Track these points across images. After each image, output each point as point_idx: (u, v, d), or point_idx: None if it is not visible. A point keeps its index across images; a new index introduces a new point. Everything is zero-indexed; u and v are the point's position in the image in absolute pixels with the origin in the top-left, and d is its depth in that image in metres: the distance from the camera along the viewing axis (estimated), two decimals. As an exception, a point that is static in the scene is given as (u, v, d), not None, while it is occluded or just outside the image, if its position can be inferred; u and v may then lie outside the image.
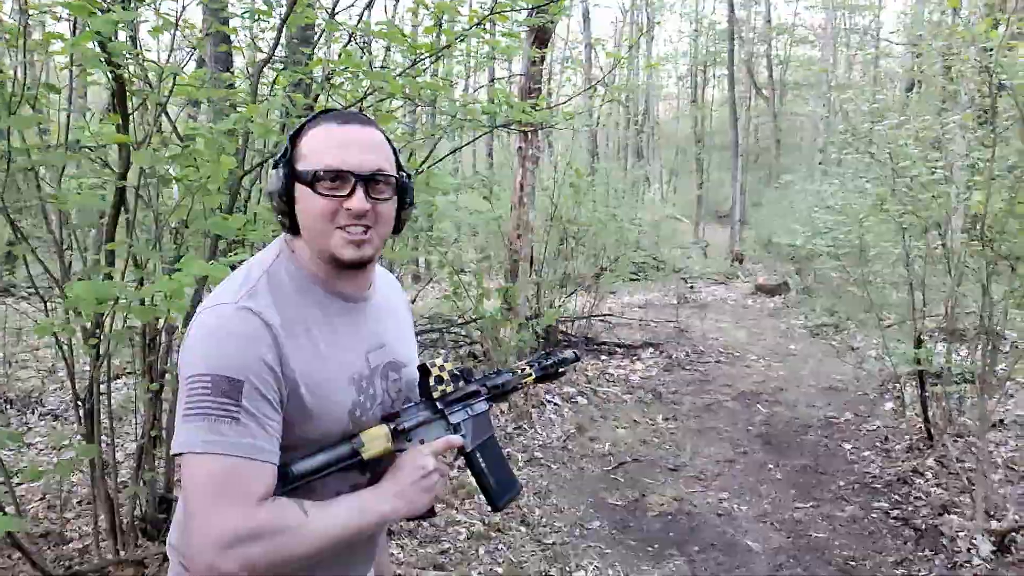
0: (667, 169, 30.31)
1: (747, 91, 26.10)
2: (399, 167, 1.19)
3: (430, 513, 1.19)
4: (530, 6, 3.80)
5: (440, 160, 4.58)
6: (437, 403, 1.22)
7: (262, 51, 3.92)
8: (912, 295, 4.59)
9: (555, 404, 5.55)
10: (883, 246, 5.38)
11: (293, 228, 1.15)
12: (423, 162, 3.88)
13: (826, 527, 3.68)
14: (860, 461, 4.56)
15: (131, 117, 2.65)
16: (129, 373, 4.97)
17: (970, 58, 4.88)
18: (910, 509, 3.77)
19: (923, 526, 3.56)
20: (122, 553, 2.71)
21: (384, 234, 1.16)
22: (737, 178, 19.39)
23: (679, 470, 4.47)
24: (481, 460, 1.25)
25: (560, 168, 7.16)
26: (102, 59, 2.40)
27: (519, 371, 1.39)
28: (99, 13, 2.18)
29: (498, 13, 3.34)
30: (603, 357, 7.24)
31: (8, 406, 4.79)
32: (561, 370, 1.45)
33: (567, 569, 3.21)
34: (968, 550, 3.25)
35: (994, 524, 3.34)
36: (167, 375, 2.88)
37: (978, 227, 3.72)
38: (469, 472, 1.25)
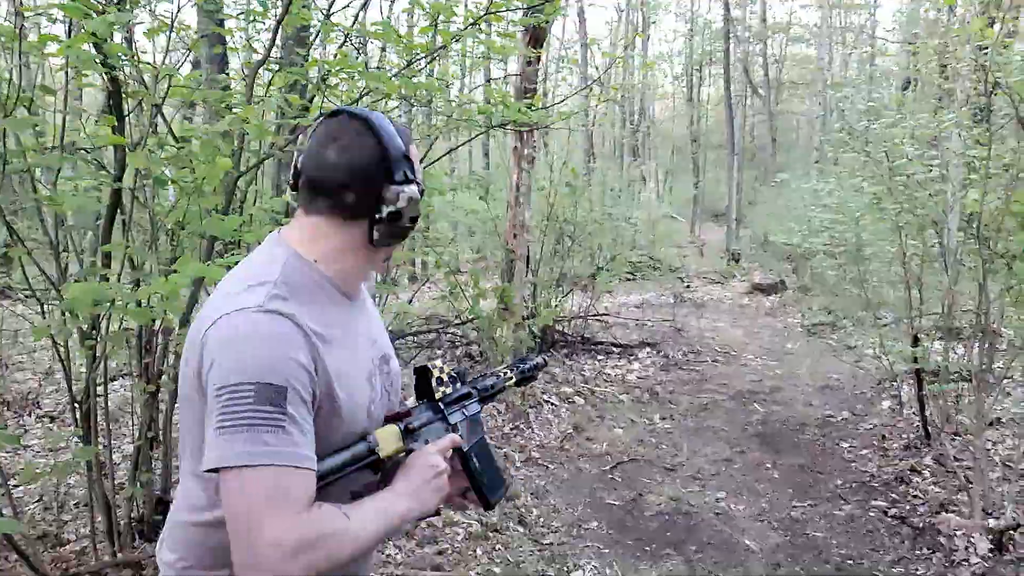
0: (663, 168, 30.32)
1: (743, 90, 26.11)
2: None
3: (435, 512, 1.20)
4: (525, 6, 3.80)
5: (436, 160, 4.58)
6: (440, 404, 1.24)
7: (257, 52, 3.91)
8: (909, 293, 4.59)
9: (552, 404, 5.56)
10: (880, 244, 5.40)
11: (372, 238, 1.15)
12: (419, 162, 3.88)
13: (823, 526, 3.68)
14: (857, 460, 4.56)
15: (127, 119, 2.65)
16: (126, 375, 4.96)
17: (965, 56, 4.90)
18: (908, 508, 3.78)
19: (921, 524, 3.56)
20: (119, 555, 2.71)
21: None
22: (733, 177, 19.42)
23: (676, 470, 4.47)
24: (475, 460, 1.27)
25: (556, 168, 7.16)
26: (98, 61, 2.40)
27: (502, 374, 1.43)
28: (94, 15, 2.18)
29: (493, 13, 3.34)
30: (600, 357, 7.24)
31: (5, 408, 4.78)
32: (536, 374, 1.51)
33: (565, 569, 3.21)
34: (966, 548, 3.25)
35: (992, 522, 3.34)
36: (164, 376, 2.87)
37: (974, 225, 3.73)
38: (463, 472, 1.27)
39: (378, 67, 4.24)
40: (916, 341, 4.51)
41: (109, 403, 2.80)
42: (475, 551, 3.30)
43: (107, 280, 2.55)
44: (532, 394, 5.49)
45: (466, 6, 3.66)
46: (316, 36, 3.67)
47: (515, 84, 6.35)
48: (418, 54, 3.28)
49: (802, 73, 28.24)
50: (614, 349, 7.51)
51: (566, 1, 16.49)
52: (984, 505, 3.46)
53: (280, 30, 3.02)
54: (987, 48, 3.72)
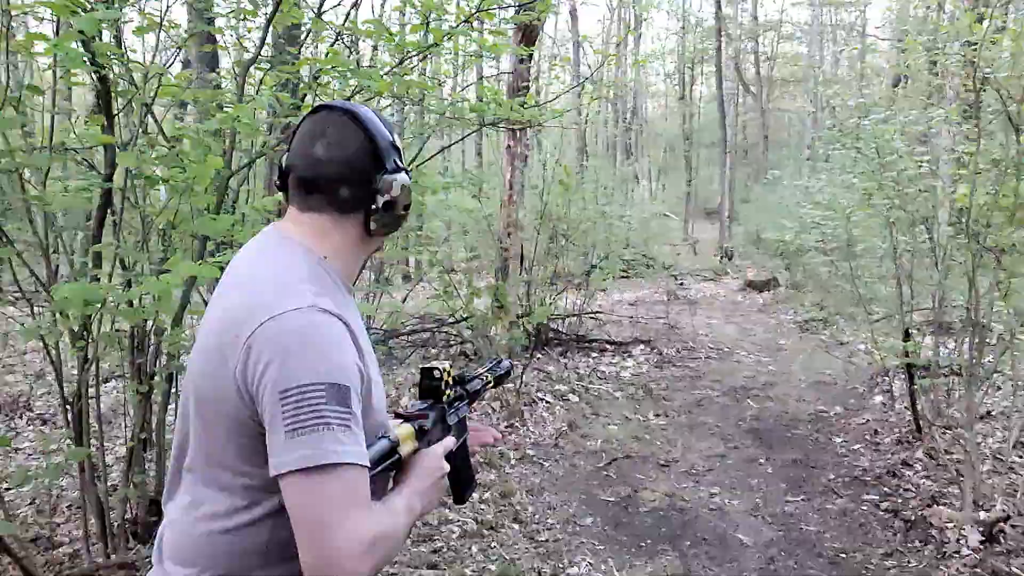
0: (656, 166, 30.41)
1: (735, 88, 26.20)
2: None
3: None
4: (516, 3, 3.80)
5: (429, 159, 4.57)
6: (444, 406, 1.26)
7: (248, 51, 3.90)
8: (900, 289, 4.62)
9: (547, 402, 5.56)
10: (871, 240, 5.42)
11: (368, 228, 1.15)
12: (411, 161, 3.88)
13: (817, 520, 3.70)
14: (850, 454, 4.59)
15: (116, 118, 2.64)
16: (118, 376, 4.94)
17: (953, 53, 4.93)
18: (900, 501, 3.80)
19: (912, 517, 3.58)
20: (112, 557, 2.70)
21: None
22: (726, 174, 19.47)
23: (670, 466, 4.48)
24: (458, 459, 1.30)
25: (549, 166, 7.16)
26: (86, 59, 2.38)
27: (484, 377, 1.46)
28: (82, 13, 2.17)
29: (484, 11, 3.34)
30: (594, 354, 7.25)
31: (-4, 411, 4.75)
32: (506, 379, 1.56)
33: (560, 566, 3.22)
34: (957, 540, 3.27)
35: (982, 515, 3.37)
36: (156, 377, 2.86)
37: (964, 220, 3.75)
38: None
39: (370, 65, 4.22)
40: (907, 336, 4.54)
41: (101, 404, 2.79)
42: (470, 549, 3.30)
43: (98, 280, 2.54)
44: (527, 392, 5.50)
45: (457, 4, 3.65)
46: (307, 34, 3.66)
47: (508, 82, 6.35)
48: (410, 52, 3.28)
49: (793, 71, 28.32)
50: (608, 347, 7.52)
51: (557, -1, 16.50)
52: (975, 497, 3.48)
53: (271, 28, 3.00)
54: (975, 44, 3.74)
